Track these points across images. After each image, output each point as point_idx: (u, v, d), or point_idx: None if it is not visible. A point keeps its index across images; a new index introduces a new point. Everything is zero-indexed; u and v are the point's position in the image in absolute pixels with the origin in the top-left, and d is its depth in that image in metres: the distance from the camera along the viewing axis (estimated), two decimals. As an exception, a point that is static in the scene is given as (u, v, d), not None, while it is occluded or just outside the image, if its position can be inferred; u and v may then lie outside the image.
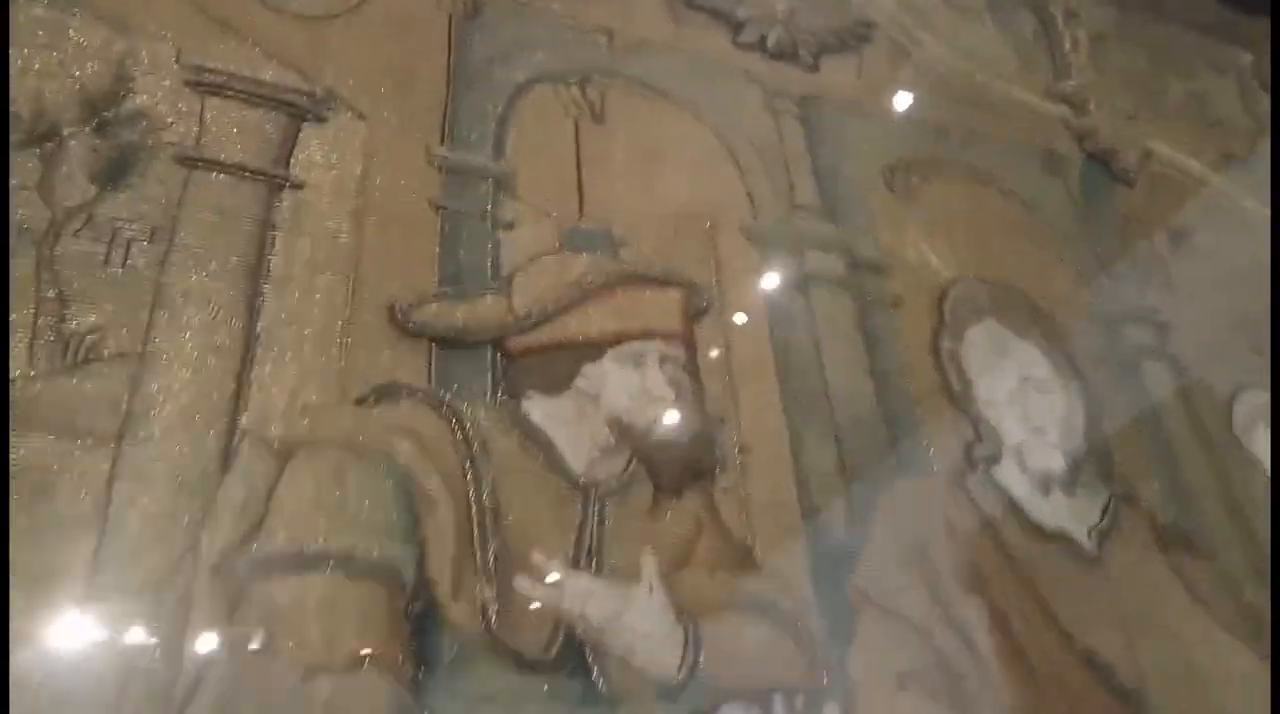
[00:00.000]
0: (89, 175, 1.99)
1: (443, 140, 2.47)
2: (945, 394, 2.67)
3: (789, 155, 2.97)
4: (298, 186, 2.22)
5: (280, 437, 1.88)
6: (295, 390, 1.95)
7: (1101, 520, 2.58)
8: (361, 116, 2.41)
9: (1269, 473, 3.02)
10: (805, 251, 2.76)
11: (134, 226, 1.98)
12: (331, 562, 1.76)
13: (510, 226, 2.41)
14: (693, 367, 2.37)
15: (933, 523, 2.38)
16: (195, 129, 2.18)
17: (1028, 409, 2.70)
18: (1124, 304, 3.20)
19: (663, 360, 2.30)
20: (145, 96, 2.17)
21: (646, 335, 2.32)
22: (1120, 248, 3.41)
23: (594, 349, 2.25)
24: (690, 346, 2.39)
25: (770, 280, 2.66)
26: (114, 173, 2.02)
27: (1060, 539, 2.49)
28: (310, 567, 1.75)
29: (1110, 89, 3.87)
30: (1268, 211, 3.86)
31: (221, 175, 2.15)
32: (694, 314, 2.46)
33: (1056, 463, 2.61)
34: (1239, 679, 2.45)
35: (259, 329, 2.00)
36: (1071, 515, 2.55)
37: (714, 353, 2.45)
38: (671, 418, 2.23)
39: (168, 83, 2.20)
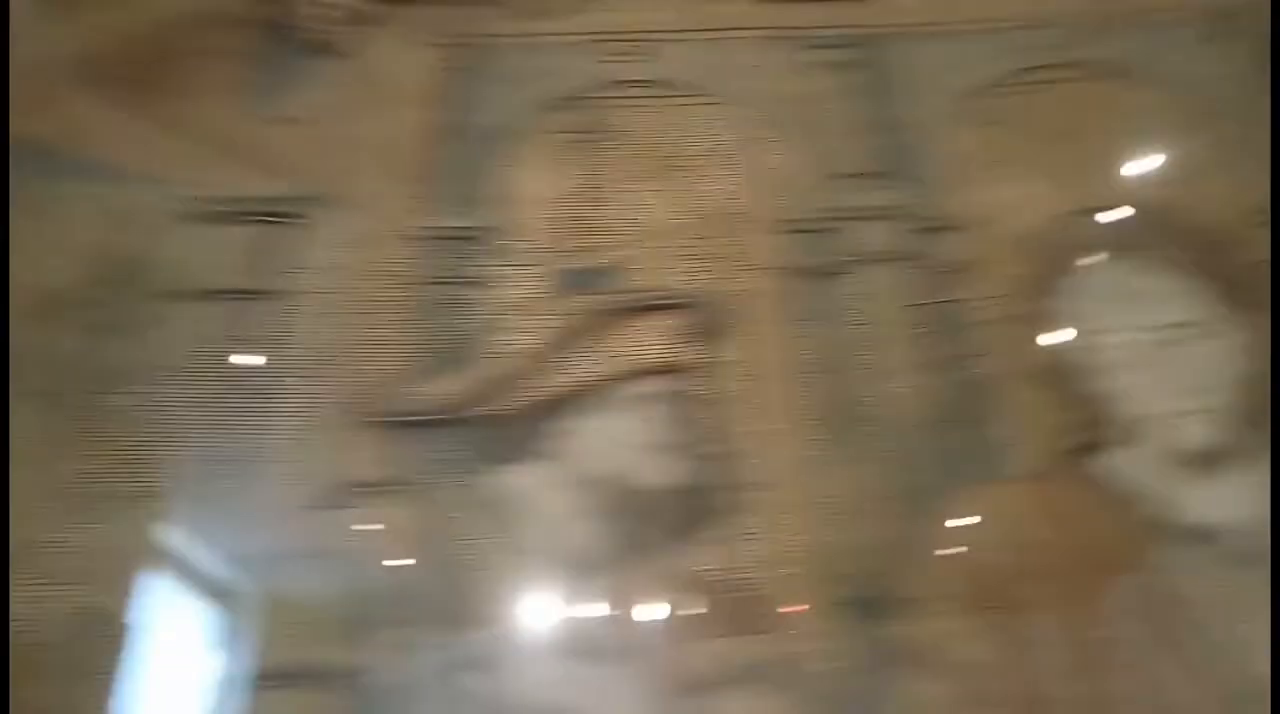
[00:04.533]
0: None
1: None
2: (1044, 368, 2.13)
3: (825, 115, 2.55)
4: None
5: None
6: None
7: None
8: (355, 206, 2.39)
9: None
10: (843, 229, 2.35)
11: None
12: None
13: (491, 285, 2.29)
14: (692, 399, 2.12)
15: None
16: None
17: (1174, 367, 2.08)
18: None
19: (653, 400, 2.09)
20: None
21: (636, 375, 2.13)
22: None
23: (569, 402, 2.09)
24: (691, 374, 2.15)
25: (798, 271, 2.29)
26: None
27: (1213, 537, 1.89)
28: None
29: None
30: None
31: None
32: (699, 333, 2.20)
33: (1207, 435, 1.99)
34: None
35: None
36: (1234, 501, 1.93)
37: (722, 374, 2.15)
38: (664, 465, 2.01)
39: None
